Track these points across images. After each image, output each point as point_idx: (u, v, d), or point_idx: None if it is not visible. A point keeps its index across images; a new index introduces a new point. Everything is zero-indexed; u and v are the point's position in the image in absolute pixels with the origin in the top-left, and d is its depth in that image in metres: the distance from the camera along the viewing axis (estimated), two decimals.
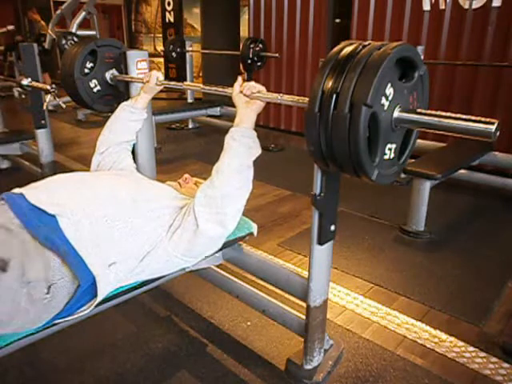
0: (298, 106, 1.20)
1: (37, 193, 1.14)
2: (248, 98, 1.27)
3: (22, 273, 0.96)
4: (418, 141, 1.21)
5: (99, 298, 1.09)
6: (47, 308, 1.02)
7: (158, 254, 1.19)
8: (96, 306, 1.11)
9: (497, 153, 3.17)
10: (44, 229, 1.04)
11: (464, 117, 0.92)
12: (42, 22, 7.40)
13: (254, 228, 1.61)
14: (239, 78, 1.32)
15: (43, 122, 2.93)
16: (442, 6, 3.66)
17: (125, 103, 1.67)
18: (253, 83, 1.28)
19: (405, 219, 2.62)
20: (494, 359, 1.57)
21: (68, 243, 1.04)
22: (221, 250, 1.55)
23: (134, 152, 1.83)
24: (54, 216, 1.07)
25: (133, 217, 1.18)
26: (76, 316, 1.10)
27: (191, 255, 1.25)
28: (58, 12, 6.22)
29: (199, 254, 1.28)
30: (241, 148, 1.22)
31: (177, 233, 1.20)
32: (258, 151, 1.25)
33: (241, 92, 1.27)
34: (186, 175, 1.58)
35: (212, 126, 5.03)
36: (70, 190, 1.20)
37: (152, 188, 1.40)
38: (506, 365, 1.55)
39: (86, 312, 1.10)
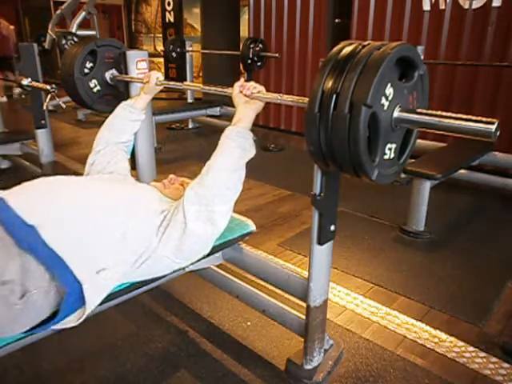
0: (297, 106, 1.20)
1: (19, 199, 1.09)
2: (248, 98, 1.27)
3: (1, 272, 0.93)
4: (418, 141, 1.21)
5: (88, 307, 1.04)
6: (20, 316, 0.98)
7: (148, 256, 1.17)
8: (96, 306, 1.11)
9: (497, 153, 3.17)
10: (27, 237, 1.00)
11: (464, 117, 0.92)
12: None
13: (252, 225, 1.61)
14: (241, 79, 1.32)
15: (43, 121, 2.93)
16: (442, 6, 3.66)
17: (125, 102, 1.67)
18: (253, 83, 1.28)
19: (405, 219, 2.62)
20: (494, 359, 1.57)
21: (52, 252, 1.00)
22: (221, 250, 1.56)
23: (133, 152, 1.84)
24: (32, 226, 1.02)
25: (121, 222, 1.15)
26: (64, 326, 1.05)
27: (182, 256, 1.22)
28: (58, 12, 6.21)
29: (190, 255, 1.25)
30: (236, 148, 1.22)
31: (166, 233, 1.18)
32: (252, 153, 1.25)
33: (241, 92, 1.28)
34: (172, 175, 1.53)
35: (212, 126, 5.03)
36: (54, 197, 1.15)
37: (139, 192, 1.38)
38: (506, 365, 1.55)
39: (74, 323, 1.05)
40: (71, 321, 1.06)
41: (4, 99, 6.97)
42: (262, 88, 1.27)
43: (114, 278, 1.12)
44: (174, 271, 1.29)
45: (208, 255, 1.46)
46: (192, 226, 1.17)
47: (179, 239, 1.18)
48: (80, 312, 1.05)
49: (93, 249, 1.08)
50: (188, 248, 1.20)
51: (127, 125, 1.65)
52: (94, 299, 1.06)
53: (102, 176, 1.52)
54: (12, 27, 7.45)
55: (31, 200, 1.12)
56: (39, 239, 1.00)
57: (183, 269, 1.38)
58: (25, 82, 2.55)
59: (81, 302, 1.04)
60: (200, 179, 1.22)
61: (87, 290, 1.03)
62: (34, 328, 1.03)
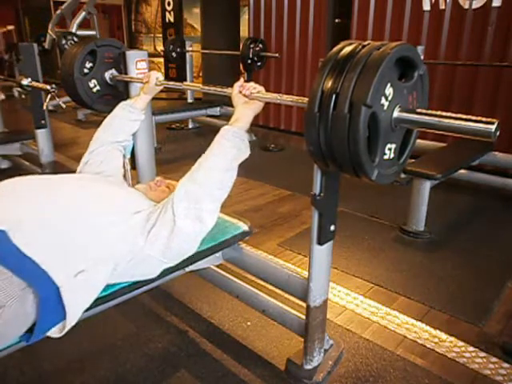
0: (297, 106, 1.20)
1: None
2: (247, 98, 1.27)
3: None
4: (418, 141, 1.21)
5: (70, 312, 1.01)
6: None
7: (134, 256, 1.15)
8: (96, 306, 1.11)
9: (497, 153, 3.17)
10: None
11: (464, 117, 0.92)
12: None
13: (245, 225, 1.61)
14: (241, 79, 1.32)
15: (43, 122, 2.93)
16: (442, 6, 3.66)
17: (124, 102, 1.67)
18: (252, 83, 1.28)
19: (405, 219, 2.62)
20: (494, 359, 1.57)
21: (25, 257, 0.96)
22: (220, 250, 1.56)
23: (133, 152, 1.84)
24: (3, 231, 0.98)
25: (101, 223, 1.14)
26: (52, 335, 1.03)
27: (170, 255, 1.20)
28: (58, 12, 6.22)
29: (178, 254, 1.23)
30: (231, 149, 1.21)
31: (153, 232, 1.16)
32: (246, 154, 1.25)
33: (240, 92, 1.28)
34: (158, 178, 1.52)
35: (212, 126, 5.02)
36: (28, 199, 1.12)
37: (122, 193, 1.36)
38: (506, 365, 1.55)
39: (58, 334, 1.03)
40: (54, 332, 1.03)
41: (2, 96, 6.96)
42: (261, 88, 1.27)
43: (96, 279, 1.09)
44: (171, 272, 1.29)
45: (208, 255, 1.46)
46: (181, 223, 1.15)
47: (168, 237, 1.16)
48: (64, 322, 1.02)
49: (73, 250, 1.05)
50: (176, 246, 1.18)
51: (126, 125, 1.64)
52: (74, 303, 1.02)
53: (84, 176, 1.49)
54: (12, 27, 7.45)
55: (2, 203, 1.09)
56: (10, 244, 0.97)
57: (183, 269, 1.38)
58: (25, 82, 2.55)
59: (61, 309, 1.00)
60: (191, 176, 1.22)
61: (65, 293, 0.99)
62: (29, 334, 1.01)
